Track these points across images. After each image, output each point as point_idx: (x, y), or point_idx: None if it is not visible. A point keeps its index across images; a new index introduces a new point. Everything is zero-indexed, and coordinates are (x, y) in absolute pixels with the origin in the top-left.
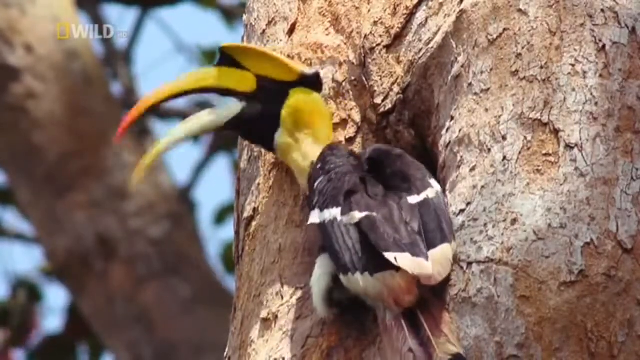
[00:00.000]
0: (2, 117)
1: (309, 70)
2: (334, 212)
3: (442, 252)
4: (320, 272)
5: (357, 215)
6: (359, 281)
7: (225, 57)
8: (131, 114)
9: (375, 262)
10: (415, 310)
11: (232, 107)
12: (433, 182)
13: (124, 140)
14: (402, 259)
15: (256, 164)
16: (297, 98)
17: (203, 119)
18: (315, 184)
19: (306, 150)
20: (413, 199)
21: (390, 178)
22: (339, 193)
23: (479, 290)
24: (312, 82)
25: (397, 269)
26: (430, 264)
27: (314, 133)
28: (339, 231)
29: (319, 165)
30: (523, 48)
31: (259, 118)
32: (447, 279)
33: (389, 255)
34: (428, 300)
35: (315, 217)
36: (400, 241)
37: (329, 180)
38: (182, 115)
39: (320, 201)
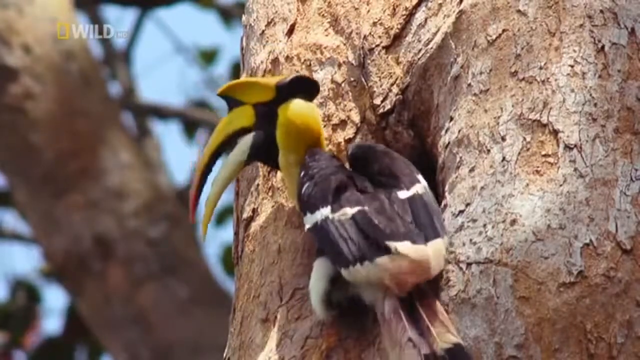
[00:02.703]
0: (0, 118)
1: (283, 80)
2: (325, 212)
3: (436, 247)
4: (317, 276)
5: (349, 211)
6: (360, 271)
7: (227, 100)
8: (192, 194)
9: (373, 249)
10: (413, 301)
11: (246, 140)
12: (420, 177)
13: (122, 139)
14: (403, 247)
15: (255, 164)
16: (284, 118)
17: (232, 160)
18: (302, 191)
19: (295, 174)
20: (403, 194)
21: (377, 174)
22: (327, 193)
23: (479, 291)
24: (297, 89)
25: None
26: (430, 250)
27: (301, 159)
28: (332, 227)
29: (302, 174)
30: (522, 49)
31: (264, 144)
32: (439, 276)
33: (390, 245)
34: (425, 292)
35: (307, 222)
36: (397, 230)
37: (315, 184)
38: (181, 115)
39: (309, 205)
